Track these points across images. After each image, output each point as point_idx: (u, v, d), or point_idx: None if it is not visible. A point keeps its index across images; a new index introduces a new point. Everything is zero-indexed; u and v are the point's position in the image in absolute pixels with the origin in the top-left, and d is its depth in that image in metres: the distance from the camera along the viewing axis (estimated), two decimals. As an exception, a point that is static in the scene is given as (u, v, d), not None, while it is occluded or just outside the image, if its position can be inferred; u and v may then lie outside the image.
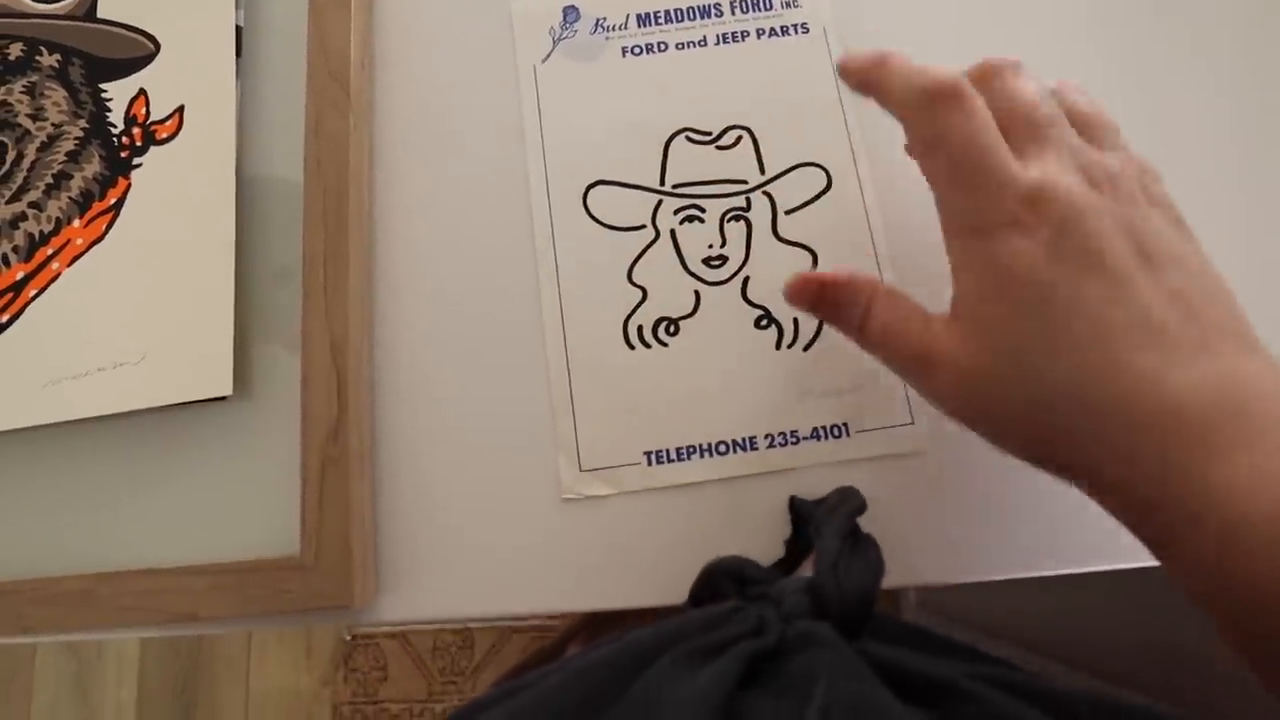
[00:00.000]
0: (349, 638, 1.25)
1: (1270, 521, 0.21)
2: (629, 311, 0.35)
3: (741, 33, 0.39)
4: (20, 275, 0.36)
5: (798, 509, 0.31)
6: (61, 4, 0.39)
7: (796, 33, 0.39)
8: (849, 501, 0.28)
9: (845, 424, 0.34)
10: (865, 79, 0.29)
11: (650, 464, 0.33)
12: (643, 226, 0.36)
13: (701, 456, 0.33)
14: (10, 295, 0.35)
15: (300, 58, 0.37)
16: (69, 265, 0.36)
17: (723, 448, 0.34)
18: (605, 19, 0.39)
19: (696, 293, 0.36)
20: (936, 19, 0.39)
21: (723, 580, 0.28)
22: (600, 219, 0.36)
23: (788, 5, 0.39)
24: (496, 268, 0.36)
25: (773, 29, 0.39)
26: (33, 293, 0.35)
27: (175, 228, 0.35)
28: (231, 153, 0.36)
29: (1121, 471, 0.23)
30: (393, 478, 0.33)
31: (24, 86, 0.38)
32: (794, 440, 0.33)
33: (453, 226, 0.37)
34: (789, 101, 0.38)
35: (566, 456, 0.34)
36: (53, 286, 0.35)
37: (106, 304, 0.35)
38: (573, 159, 0.37)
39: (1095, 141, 0.27)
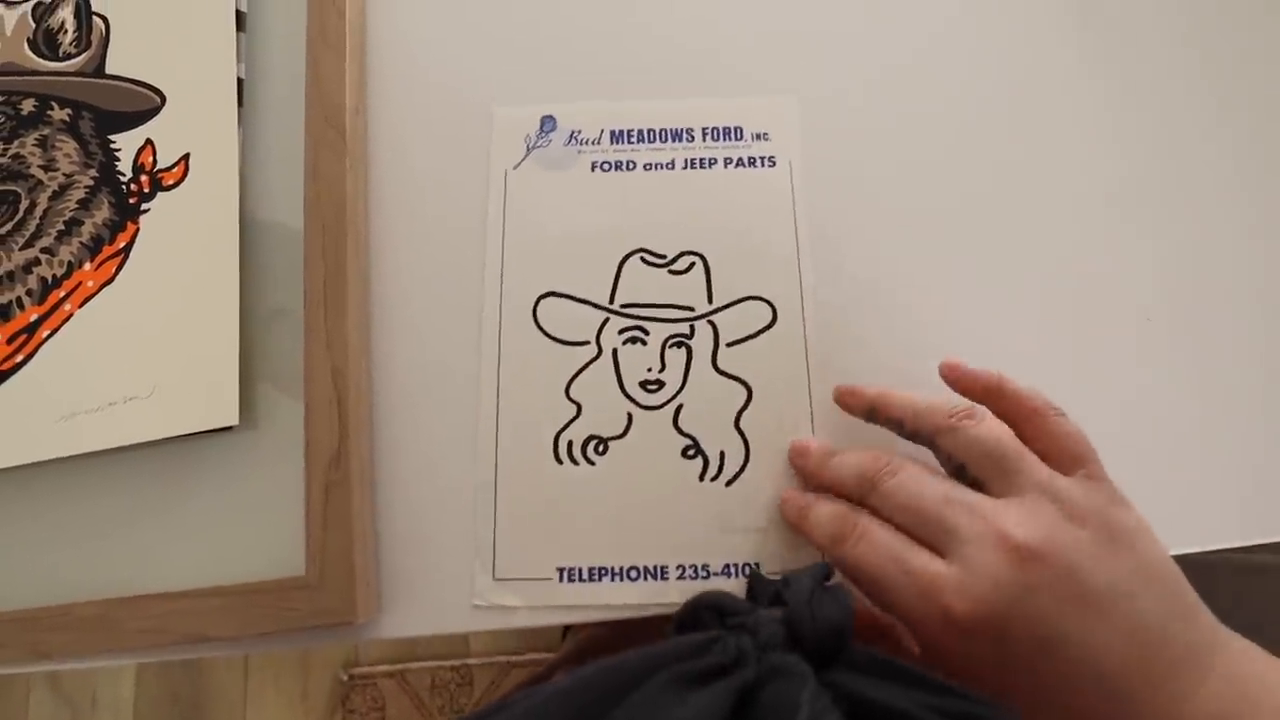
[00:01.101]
0: (346, 678, 1.25)
1: None
2: (562, 426, 0.36)
3: (710, 160, 0.40)
4: (34, 317, 0.37)
5: (755, 583, 0.33)
6: (71, 62, 0.42)
7: (763, 165, 0.40)
8: (818, 567, 0.30)
9: (756, 563, 0.34)
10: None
11: (561, 580, 0.34)
12: (586, 343, 0.37)
13: (612, 580, 0.34)
14: (24, 336, 0.37)
15: (298, 106, 0.39)
16: (81, 306, 0.37)
17: (634, 573, 0.34)
18: (580, 131, 0.41)
19: (630, 414, 0.36)
20: (902, 155, 0.40)
21: (705, 613, 0.29)
22: (547, 330, 0.37)
23: (758, 137, 0.40)
24: (444, 393, 0.37)
25: (740, 159, 0.40)
26: (46, 333, 0.37)
27: (182, 268, 0.37)
28: (235, 196, 0.38)
29: None
30: (392, 499, 0.35)
31: (36, 139, 0.40)
32: (704, 574, 0.34)
33: (434, 268, 0.39)
34: (747, 234, 0.39)
35: (482, 563, 0.34)
36: (65, 327, 0.37)
37: (117, 341, 0.37)
38: (529, 265, 0.38)
39: (1011, 474, 0.30)
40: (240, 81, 0.41)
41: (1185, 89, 0.42)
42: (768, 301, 0.38)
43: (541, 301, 0.38)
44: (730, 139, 0.40)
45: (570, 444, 0.36)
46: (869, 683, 0.25)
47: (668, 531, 0.35)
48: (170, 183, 0.39)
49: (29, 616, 0.33)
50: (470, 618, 0.34)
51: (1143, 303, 0.38)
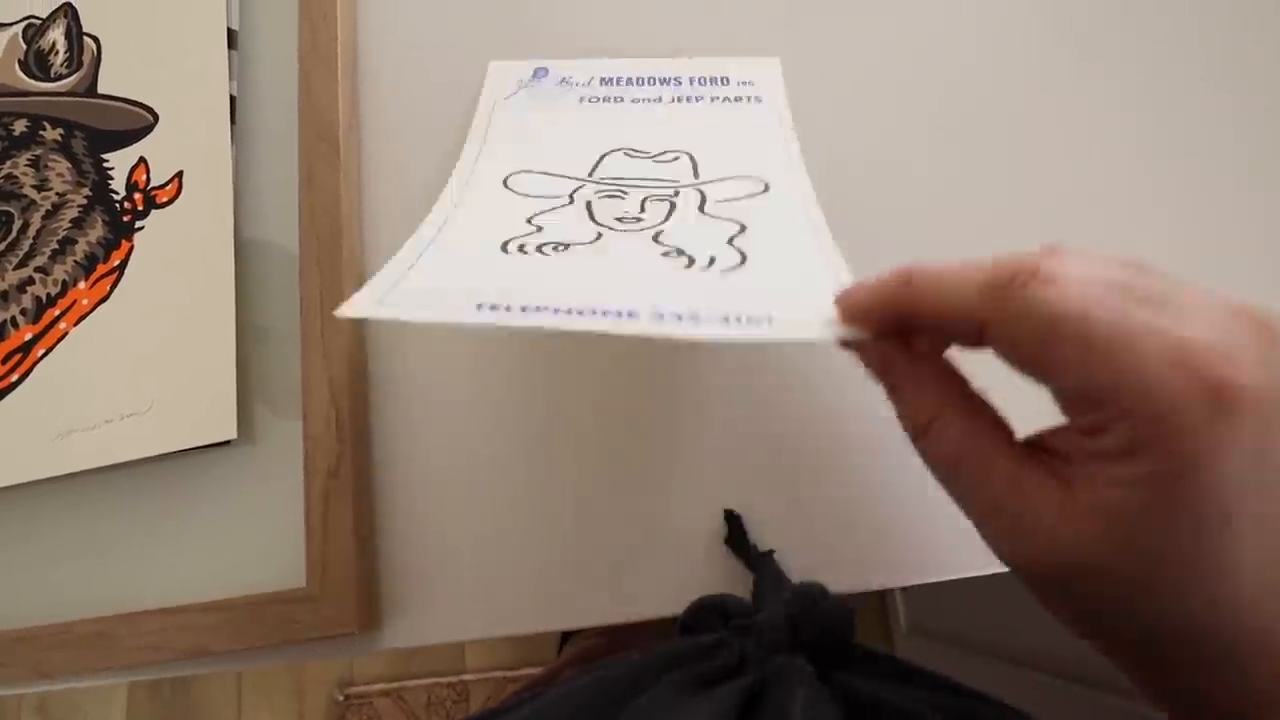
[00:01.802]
0: (341, 697, 1.24)
1: None
2: (512, 235, 0.30)
3: (696, 97, 0.40)
4: (29, 336, 0.37)
5: (760, 581, 0.33)
6: (63, 82, 0.42)
7: (751, 102, 0.40)
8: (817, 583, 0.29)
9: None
10: (899, 301, 0.23)
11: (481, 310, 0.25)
12: (558, 197, 0.33)
13: (559, 315, 0.24)
14: (19, 355, 0.37)
15: (290, 123, 0.39)
16: (76, 324, 0.37)
17: (593, 312, 0.24)
18: (571, 76, 0.42)
19: (599, 234, 0.31)
20: (890, 120, 0.42)
21: (709, 615, 0.29)
22: (514, 189, 0.34)
23: (743, 84, 0.41)
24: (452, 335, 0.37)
25: (727, 98, 0.40)
26: (41, 352, 0.37)
27: (177, 284, 0.38)
28: (229, 212, 0.38)
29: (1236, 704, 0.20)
30: (392, 509, 0.35)
31: (29, 160, 0.41)
32: (692, 318, 0.24)
33: None
34: (736, 139, 0.38)
35: (376, 281, 0.28)
36: (61, 345, 0.37)
37: (113, 359, 0.37)
38: (504, 153, 0.37)
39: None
40: (233, 99, 0.41)
41: (1177, 84, 0.43)
42: (758, 179, 0.34)
43: (513, 176, 0.35)
44: (717, 84, 0.40)
45: (522, 245, 0.29)
46: (872, 682, 0.25)
47: (643, 284, 0.27)
48: (164, 200, 0.39)
49: (28, 635, 0.33)
50: (472, 627, 0.34)
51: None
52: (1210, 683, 0.20)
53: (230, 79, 0.41)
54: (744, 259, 0.28)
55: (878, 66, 0.42)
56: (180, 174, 0.39)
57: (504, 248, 0.29)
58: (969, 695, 0.25)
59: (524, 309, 0.24)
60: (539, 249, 0.29)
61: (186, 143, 0.40)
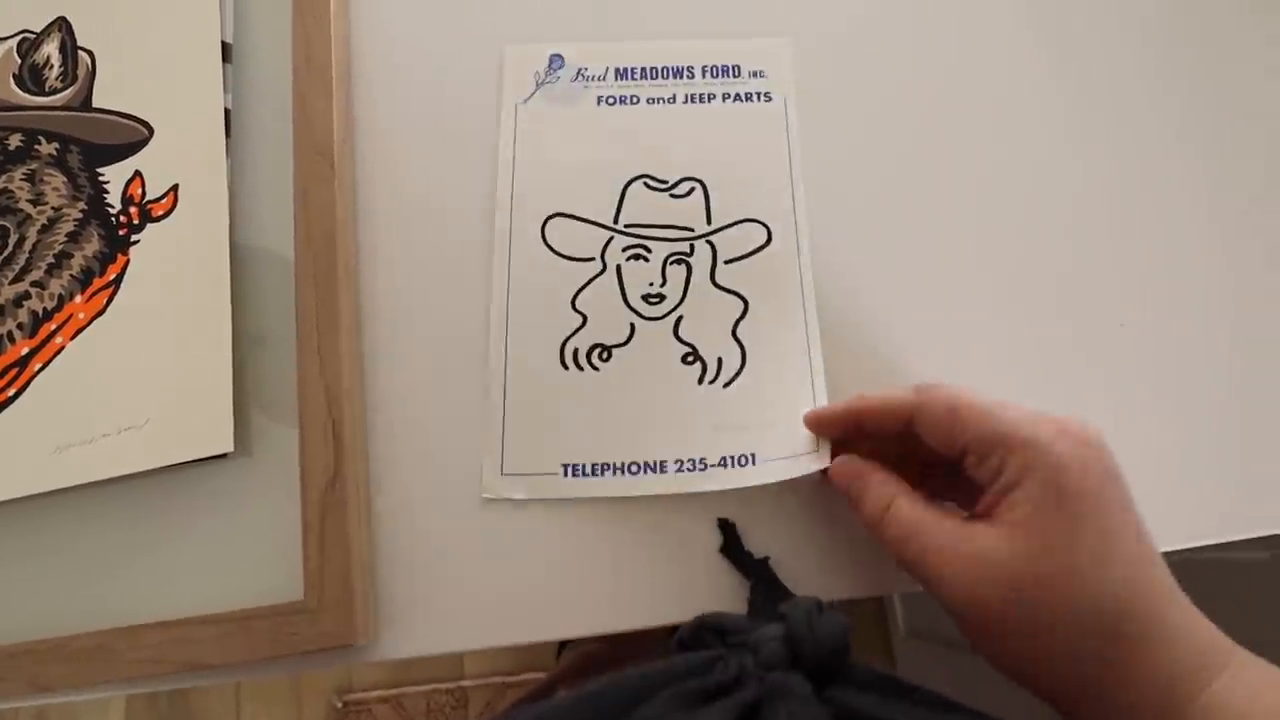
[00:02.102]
0: (340, 705, 1.24)
1: None
2: (568, 335, 0.38)
3: (709, 95, 0.42)
4: (25, 350, 0.38)
5: (756, 600, 0.34)
6: (58, 96, 0.42)
7: (760, 100, 0.42)
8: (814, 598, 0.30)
9: (753, 454, 0.36)
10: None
11: (565, 475, 0.36)
12: (592, 259, 0.39)
13: (614, 474, 0.36)
14: (16, 370, 0.37)
15: (285, 136, 0.40)
16: (72, 338, 0.38)
17: (634, 468, 0.36)
18: (586, 69, 0.43)
19: (632, 325, 0.38)
20: (893, 92, 0.43)
21: (706, 633, 0.30)
22: (554, 247, 0.39)
23: (754, 75, 0.43)
24: (456, 310, 0.39)
25: (738, 94, 0.42)
26: (38, 366, 0.37)
27: (173, 298, 0.38)
28: (225, 225, 0.38)
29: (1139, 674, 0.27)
30: (389, 520, 0.35)
31: (24, 174, 0.41)
32: (702, 466, 0.36)
33: (432, 270, 0.40)
34: (744, 162, 0.41)
35: (491, 459, 0.36)
36: (57, 359, 0.37)
37: (110, 372, 0.37)
38: (538, 190, 0.40)
39: None
40: (227, 112, 0.41)
41: (1153, 94, 0.43)
42: (763, 223, 0.40)
43: (550, 221, 0.40)
44: (728, 76, 0.43)
45: (576, 351, 0.38)
46: (870, 699, 0.25)
47: (667, 429, 0.36)
48: (160, 213, 0.39)
49: (26, 650, 0.33)
50: (470, 637, 0.34)
51: (1116, 308, 0.39)
52: (1122, 673, 0.26)
53: (225, 92, 0.41)
54: (744, 360, 0.37)
55: (881, 39, 0.44)
56: (176, 187, 0.40)
57: (562, 360, 0.38)
58: (970, 714, 0.25)
59: (593, 468, 0.36)
60: (589, 359, 0.38)
61: (182, 156, 0.40)
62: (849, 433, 0.33)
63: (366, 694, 1.24)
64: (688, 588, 0.35)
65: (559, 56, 0.43)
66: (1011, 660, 0.28)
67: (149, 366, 0.37)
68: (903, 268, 0.40)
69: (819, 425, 0.34)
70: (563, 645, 1.23)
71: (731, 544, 0.35)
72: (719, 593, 0.35)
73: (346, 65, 0.42)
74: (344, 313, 0.36)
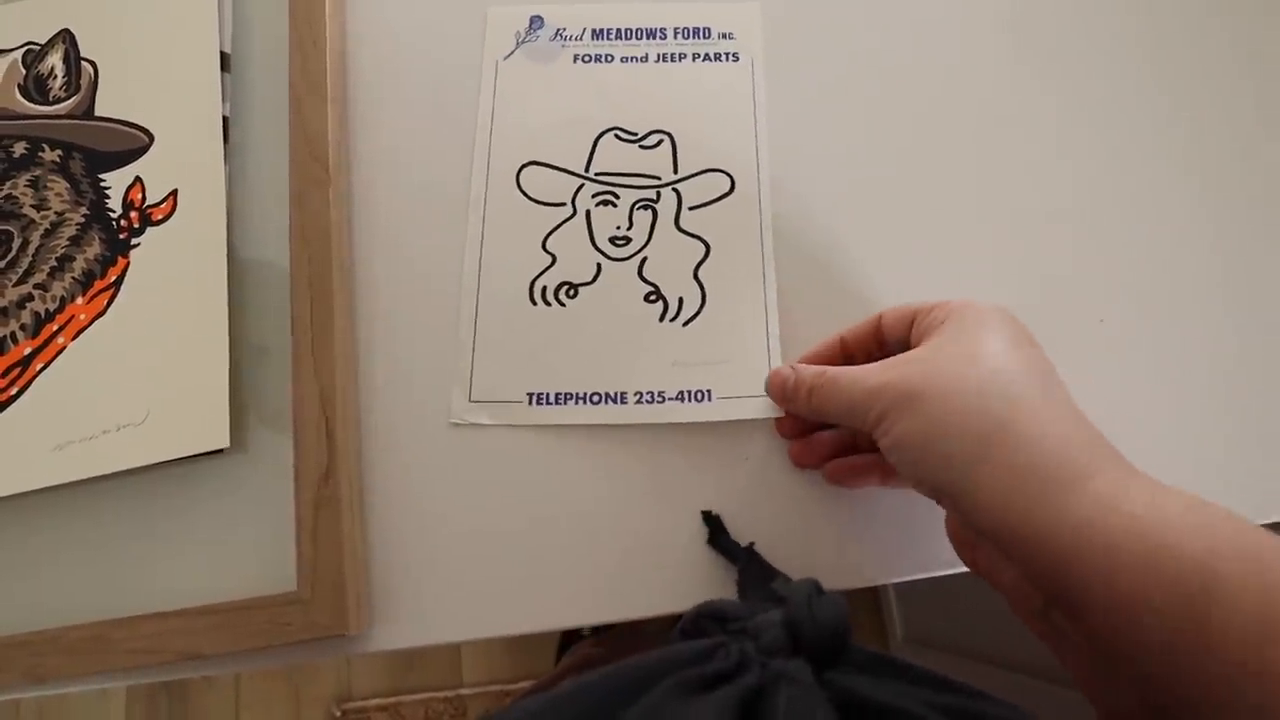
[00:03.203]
0: (339, 712, 1.24)
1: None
2: (538, 273, 0.40)
3: (679, 54, 0.44)
4: (28, 350, 0.39)
5: (745, 577, 0.35)
6: (61, 105, 0.43)
7: (728, 60, 0.44)
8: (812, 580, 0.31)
9: (708, 390, 0.38)
10: (780, 405, 0.37)
11: (530, 404, 0.38)
12: (563, 204, 0.41)
13: (576, 403, 0.38)
14: (19, 369, 0.38)
15: (282, 142, 0.41)
16: (74, 338, 0.39)
17: (596, 398, 0.38)
18: (565, 29, 0.45)
19: (599, 264, 0.40)
20: (857, 52, 0.45)
21: (706, 621, 0.30)
22: (528, 193, 0.41)
23: (724, 36, 0.45)
24: (440, 258, 0.40)
25: (707, 54, 0.44)
26: (40, 366, 0.38)
27: (172, 298, 0.39)
28: (222, 228, 0.40)
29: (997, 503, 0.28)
30: (383, 515, 0.36)
31: (28, 180, 0.42)
32: (660, 399, 0.38)
33: (424, 251, 0.41)
34: (711, 117, 0.43)
35: (460, 388, 0.38)
36: (59, 359, 0.38)
37: (110, 371, 0.38)
38: (516, 140, 0.42)
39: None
40: (225, 120, 0.42)
41: (1135, 89, 0.44)
42: (727, 173, 0.42)
43: (524, 169, 0.42)
44: (698, 37, 0.45)
45: (545, 289, 0.40)
46: (871, 682, 0.25)
47: (629, 363, 0.38)
48: (159, 218, 0.40)
49: (24, 641, 0.34)
50: (462, 628, 0.35)
51: (1096, 305, 0.40)
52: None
53: (223, 100, 0.42)
54: (703, 301, 0.39)
55: (853, 13, 0.46)
56: (175, 192, 0.41)
57: (531, 296, 0.39)
58: (970, 694, 0.25)
59: (556, 396, 0.38)
60: (556, 296, 0.39)
61: (181, 162, 0.41)
62: (834, 360, 0.36)
63: (365, 702, 1.24)
64: (678, 578, 0.35)
65: (539, 18, 0.45)
66: (921, 449, 0.30)
67: (148, 365, 0.38)
68: (861, 221, 0.41)
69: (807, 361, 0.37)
70: (560, 653, 1.24)
71: (717, 535, 0.35)
72: (710, 581, 0.35)
73: (342, 74, 0.44)
74: (338, 314, 0.37)
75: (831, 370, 0.33)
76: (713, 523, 0.36)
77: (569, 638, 1.24)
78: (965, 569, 0.35)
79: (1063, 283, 0.41)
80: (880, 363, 0.32)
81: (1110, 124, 0.43)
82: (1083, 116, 0.44)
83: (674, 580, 0.35)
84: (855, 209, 0.42)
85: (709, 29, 0.45)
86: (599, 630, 1.22)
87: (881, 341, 0.35)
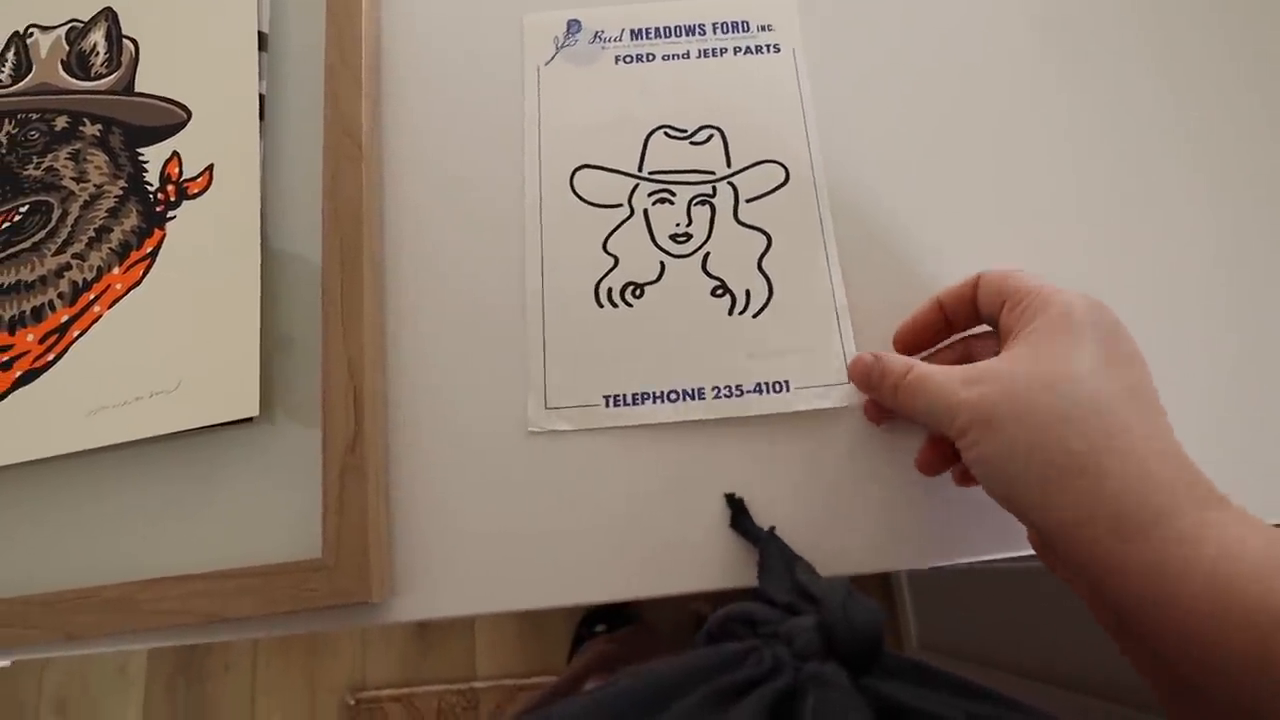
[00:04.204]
0: (352, 701, 1.24)
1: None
2: (601, 275, 0.40)
3: (720, 49, 0.44)
4: (65, 318, 0.39)
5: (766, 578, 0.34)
6: (103, 81, 0.44)
7: (768, 51, 0.44)
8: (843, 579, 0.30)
9: (786, 381, 0.38)
10: (862, 390, 0.37)
11: (607, 405, 0.38)
12: (620, 205, 0.41)
13: (654, 402, 0.37)
14: (56, 336, 0.39)
15: (316, 120, 0.41)
16: (109, 307, 0.39)
17: (674, 395, 0.38)
18: (603, 31, 0.45)
19: (662, 263, 0.40)
20: (897, 35, 0.45)
21: (736, 625, 0.30)
22: (583, 197, 0.41)
23: (763, 29, 0.45)
24: (490, 265, 0.40)
25: (748, 48, 0.44)
26: (76, 333, 0.39)
27: (206, 270, 0.39)
28: (256, 202, 0.40)
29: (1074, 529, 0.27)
30: (405, 486, 0.36)
31: (69, 153, 0.43)
32: (738, 392, 0.37)
33: (456, 236, 0.41)
34: (758, 109, 0.43)
35: (535, 396, 0.38)
36: (95, 327, 0.39)
37: (144, 340, 0.38)
38: (564, 146, 0.42)
39: None
40: (262, 98, 0.43)
41: (1149, 82, 0.44)
42: (780, 163, 0.42)
43: (577, 173, 0.42)
44: (737, 31, 0.45)
45: (610, 290, 0.39)
46: (906, 688, 0.25)
47: (702, 359, 0.38)
48: (195, 192, 0.41)
49: (55, 599, 0.34)
50: (483, 600, 0.35)
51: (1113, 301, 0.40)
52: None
53: (260, 79, 0.43)
54: (770, 292, 0.39)
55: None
56: (211, 167, 0.41)
57: (597, 299, 0.39)
58: (1007, 704, 0.25)
59: (634, 397, 0.38)
60: (622, 296, 0.39)
61: (217, 138, 0.42)
62: (934, 325, 0.36)
63: (379, 692, 1.25)
64: (697, 558, 0.35)
65: (576, 21, 0.45)
66: (1000, 470, 0.29)
67: (181, 334, 0.38)
68: (917, 199, 0.41)
69: (905, 339, 0.37)
70: (573, 648, 1.24)
71: (740, 518, 0.35)
72: (731, 563, 0.35)
73: (377, 55, 0.44)
74: (367, 287, 0.38)
75: (919, 369, 0.32)
76: (735, 505, 0.36)
77: (582, 634, 1.24)
78: (989, 556, 0.35)
79: (1096, 231, 0.41)
80: (964, 371, 0.31)
81: (1159, 73, 0.43)
82: (1119, 61, 0.43)
83: (695, 559, 0.35)
84: (911, 189, 0.41)
85: (747, 22, 0.45)
86: (613, 628, 1.22)
87: (976, 310, 0.35)
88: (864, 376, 0.35)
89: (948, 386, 0.31)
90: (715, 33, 0.45)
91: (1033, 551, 0.34)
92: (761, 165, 0.42)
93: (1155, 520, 0.26)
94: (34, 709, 1.27)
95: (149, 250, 0.40)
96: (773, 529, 0.35)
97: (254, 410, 0.36)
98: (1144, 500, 0.26)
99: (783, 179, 0.41)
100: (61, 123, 0.43)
